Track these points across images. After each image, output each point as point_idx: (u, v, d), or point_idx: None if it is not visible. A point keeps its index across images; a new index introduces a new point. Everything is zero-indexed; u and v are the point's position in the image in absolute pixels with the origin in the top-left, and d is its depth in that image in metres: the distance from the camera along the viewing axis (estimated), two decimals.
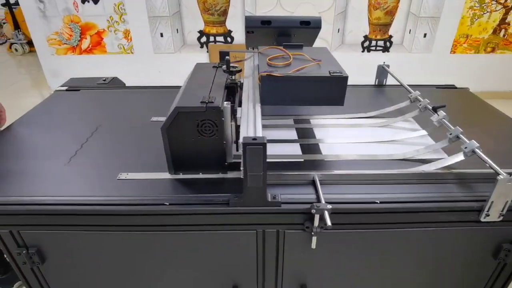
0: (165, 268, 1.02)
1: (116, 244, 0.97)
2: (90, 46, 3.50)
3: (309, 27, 1.31)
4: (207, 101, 0.92)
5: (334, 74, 0.98)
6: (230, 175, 1.00)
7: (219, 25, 3.38)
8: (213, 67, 1.21)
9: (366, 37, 3.43)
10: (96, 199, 0.91)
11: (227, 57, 1.11)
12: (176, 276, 1.05)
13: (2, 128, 1.25)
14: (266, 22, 1.31)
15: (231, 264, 1.02)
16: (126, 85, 1.81)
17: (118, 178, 0.99)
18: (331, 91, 1.00)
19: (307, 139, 1.18)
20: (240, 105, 1.05)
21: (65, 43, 3.47)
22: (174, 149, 0.95)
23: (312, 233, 0.89)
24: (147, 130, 1.25)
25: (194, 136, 0.94)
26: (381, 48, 3.47)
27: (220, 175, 1.00)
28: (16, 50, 5.26)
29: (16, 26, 5.12)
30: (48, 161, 1.06)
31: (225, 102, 0.92)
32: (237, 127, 1.00)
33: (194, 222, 0.91)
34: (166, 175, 1.00)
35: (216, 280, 1.05)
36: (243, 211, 0.90)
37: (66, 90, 1.64)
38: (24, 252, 0.94)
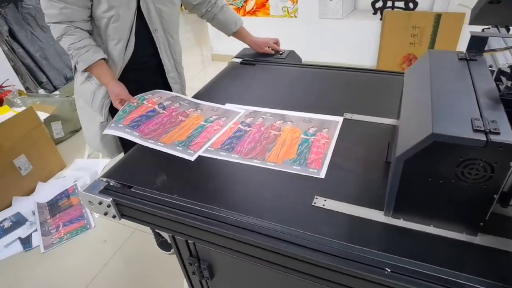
0: None
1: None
2: (255, 7, 3.40)
3: None
4: (486, 130, 0.56)
5: None
6: (482, 240, 0.64)
7: None
8: (461, 59, 0.80)
9: None
10: (282, 230, 0.69)
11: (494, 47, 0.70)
12: None
13: None
14: None
15: None
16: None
17: (313, 203, 0.75)
18: None
19: None
20: None
21: (231, 4, 3.47)
22: (406, 186, 0.64)
23: None
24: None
25: (446, 178, 0.60)
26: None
27: (467, 237, 0.65)
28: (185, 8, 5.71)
29: None
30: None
31: None
32: None
33: None
34: (378, 215, 0.71)
35: None
36: None
37: (241, 63, 1.50)
38: (196, 264, 0.83)
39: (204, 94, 1.27)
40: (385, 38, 2.94)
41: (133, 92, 1.21)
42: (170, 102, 1.18)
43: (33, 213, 2.00)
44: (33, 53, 3.31)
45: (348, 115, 1.04)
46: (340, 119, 1.02)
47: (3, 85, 2.92)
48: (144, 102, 1.17)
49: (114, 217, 0.86)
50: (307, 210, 0.74)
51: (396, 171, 0.63)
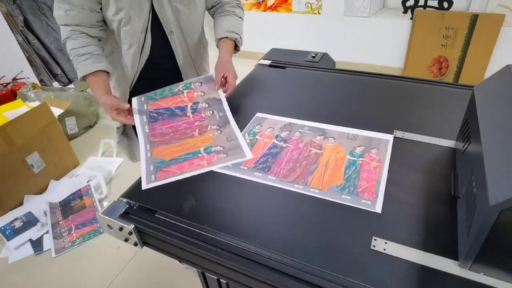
0: None
1: None
2: (276, 3, 3.26)
3: None
4: None
5: None
6: None
7: None
8: None
9: None
10: (339, 281, 0.58)
11: None
12: None
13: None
14: None
15: None
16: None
17: (372, 247, 0.63)
18: None
19: None
20: None
21: None
22: (496, 238, 0.52)
23: None
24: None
25: None
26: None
27: None
28: None
29: None
30: None
31: None
32: None
33: None
34: (452, 267, 0.59)
35: None
36: None
37: (270, 65, 1.38)
38: None
39: (232, 100, 1.16)
40: (415, 38, 2.77)
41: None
42: (206, 105, 1.04)
43: (45, 214, 1.93)
44: (48, 45, 3.24)
45: (399, 133, 0.91)
46: (390, 138, 0.90)
47: (17, 77, 2.86)
48: (185, 92, 1.08)
49: (135, 244, 0.76)
50: (365, 254, 0.62)
51: (486, 221, 0.51)
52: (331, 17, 3.03)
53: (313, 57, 1.39)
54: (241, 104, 1.12)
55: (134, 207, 0.77)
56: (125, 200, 0.78)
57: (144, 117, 1.01)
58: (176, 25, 1.11)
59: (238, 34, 1.19)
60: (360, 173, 0.79)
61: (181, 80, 1.23)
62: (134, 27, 1.05)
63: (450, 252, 0.61)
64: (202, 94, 1.07)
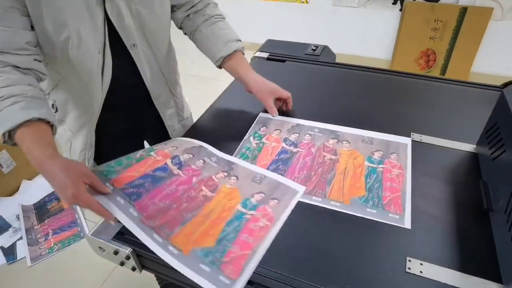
0: None
1: None
2: None
3: None
4: None
5: None
6: None
7: None
8: None
9: None
10: None
11: None
12: None
13: None
14: None
15: None
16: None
17: (407, 269, 0.57)
18: None
19: None
20: None
21: None
22: None
23: None
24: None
25: None
26: None
27: None
28: None
29: None
30: None
31: None
32: None
33: None
34: None
35: None
36: None
37: (268, 58, 1.28)
38: None
39: (227, 99, 1.06)
40: (404, 30, 2.74)
41: (120, 134, 0.96)
42: (190, 156, 0.79)
43: (18, 218, 1.77)
44: None
45: (416, 136, 0.85)
46: (408, 141, 0.83)
47: None
48: (152, 153, 0.77)
49: (133, 269, 0.66)
50: (400, 279, 0.55)
51: None
52: (319, 6, 2.95)
53: (314, 49, 1.30)
54: (240, 102, 1.02)
55: None
56: None
57: (118, 199, 0.64)
58: (140, 35, 0.81)
59: (240, 40, 0.95)
60: (382, 183, 0.72)
61: (152, 104, 0.95)
62: (88, 48, 0.73)
63: (491, 273, 0.56)
64: (175, 148, 0.81)
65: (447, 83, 1.07)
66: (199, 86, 2.78)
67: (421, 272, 0.56)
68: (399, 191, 0.70)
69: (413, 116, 0.93)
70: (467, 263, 0.57)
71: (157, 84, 0.93)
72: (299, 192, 0.71)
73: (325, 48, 1.33)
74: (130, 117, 0.96)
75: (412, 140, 0.83)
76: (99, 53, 0.76)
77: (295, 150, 0.83)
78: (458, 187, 0.71)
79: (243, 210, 0.67)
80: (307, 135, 0.87)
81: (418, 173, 0.75)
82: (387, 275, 0.56)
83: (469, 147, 0.81)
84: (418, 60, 2.84)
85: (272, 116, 0.92)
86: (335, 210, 0.67)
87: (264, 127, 0.90)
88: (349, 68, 1.18)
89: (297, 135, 0.87)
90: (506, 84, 0.93)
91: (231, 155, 0.82)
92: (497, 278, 0.55)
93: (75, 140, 0.91)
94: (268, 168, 0.77)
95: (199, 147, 0.83)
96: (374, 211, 0.66)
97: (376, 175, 0.74)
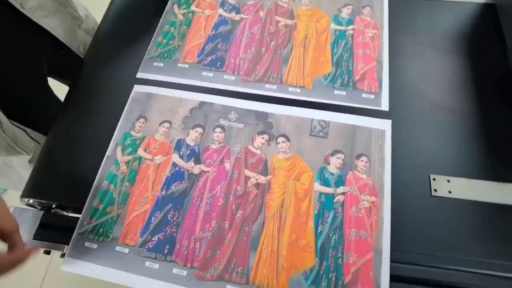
0: None
1: None
2: None
3: None
4: None
5: None
6: None
7: None
8: None
9: None
10: None
11: None
12: None
13: None
14: None
15: None
16: None
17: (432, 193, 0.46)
18: None
19: None
20: None
21: None
22: None
23: None
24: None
25: None
26: None
27: None
28: None
29: None
30: None
31: None
32: None
33: None
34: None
35: None
36: None
37: None
38: None
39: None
40: None
41: None
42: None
43: None
44: None
45: None
46: None
47: None
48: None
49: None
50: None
51: None
52: None
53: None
54: None
55: (53, 210, 0.49)
56: (31, 200, 0.49)
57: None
58: None
59: None
60: (353, 51, 0.55)
61: None
62: None
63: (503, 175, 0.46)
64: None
65: None
66: None
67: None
68: (374, 60, 0.54)
69: None
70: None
71: None
72: None
73: None
74: None
75: None
76: None
77: (237, 17, 0.60)
78: (461, 56, 0.55)
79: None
80: None
81: (398, 33, 0.57)
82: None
83: None
84: None
85: None
86: (295, 99, 0.52)
87: None
88: None
89: None
90: None
91: (150, 36, 0.59)
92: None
93: None
94: (204, 49, 0.57)
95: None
96: (344, 93, 0.51)
97: (345, 41, 0.56)
